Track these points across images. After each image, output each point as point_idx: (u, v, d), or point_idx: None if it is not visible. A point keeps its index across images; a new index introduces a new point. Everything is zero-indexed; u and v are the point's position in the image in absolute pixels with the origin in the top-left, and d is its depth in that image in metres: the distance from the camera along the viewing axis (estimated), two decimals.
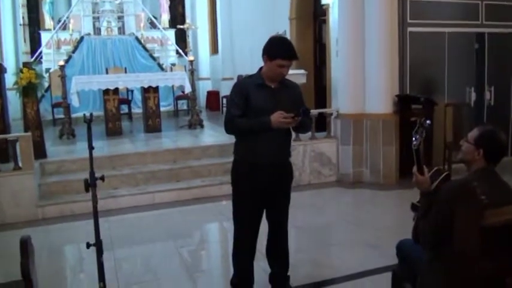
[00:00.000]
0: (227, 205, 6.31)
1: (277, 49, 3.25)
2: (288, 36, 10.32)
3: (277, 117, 3.17)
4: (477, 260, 2.39)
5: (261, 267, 4.02)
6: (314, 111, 7.42)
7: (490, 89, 8.15)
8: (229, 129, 3.41)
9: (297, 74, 7.64)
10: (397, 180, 7.01)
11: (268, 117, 3.19)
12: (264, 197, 3.46)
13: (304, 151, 7.17)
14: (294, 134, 7.36)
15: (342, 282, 3.90)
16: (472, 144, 2.57)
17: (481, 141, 2.55)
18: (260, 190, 3.41)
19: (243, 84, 3.41)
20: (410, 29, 7.38)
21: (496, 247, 2.45)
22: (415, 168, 2.67)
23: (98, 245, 2.88)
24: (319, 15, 9.66)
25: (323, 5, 8.30)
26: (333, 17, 7.73)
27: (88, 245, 2.88)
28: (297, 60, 3.36)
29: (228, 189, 6.66)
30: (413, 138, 2.64)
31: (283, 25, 10.36)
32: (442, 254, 2.50)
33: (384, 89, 6.93)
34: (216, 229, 5.94)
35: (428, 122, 2.65)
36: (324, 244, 4.98)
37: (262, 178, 3.37)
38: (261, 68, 3.39)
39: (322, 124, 7.59)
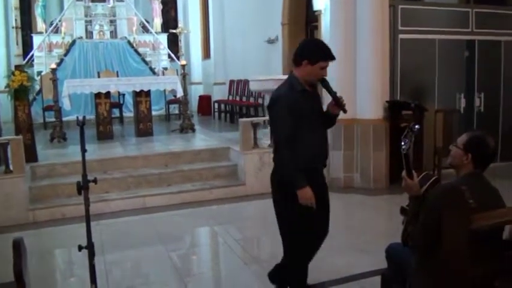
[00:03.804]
0: (218, 210, 6.36)
1: (318, 52, 3.27)
2: (280, 41, 10.39)
3: (309, 197, 3.20)
4: (466, 263, 2.42)
5: (255, 273, 4.05)
6: None
7: (479, 96, 8.25)
8: (282, 152, 3.30)
9: None
10: (387, 185, 7.05)
11: (305, 184, 3.18)
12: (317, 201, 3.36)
13: None
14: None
15: (332, 285, 3.92)
16: (461, 149, 2.61)
17: (470, 146, 2.60)
18: (316, 194, 3.30)
19: (292, 98, 3.28)
20: (401, 35, 7.46)
21: (485, 250, 2.49)
22: (404, 173, 2.71)
23: (90, 248, 2.89)
24: (311, 21, 9.72)
25: (315, 11, 8.34)
26: (325, 23, 7.77)
27: (80, 248, 2.89)
28: (334, 60, 3.35)
29: (219, 193, 6.76)
30: (403, 143, 2.67)
31: (275, 30, 10.42)
32: (431, 257, 2.53)
33: (375, 94, 6.98)
34: (207, 233, 5.93)
35: (417, 126, 2.69)
36: None
37: (318, 181, 3.40)
38: (291, 74, 3.38)
39: None
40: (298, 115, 3.25)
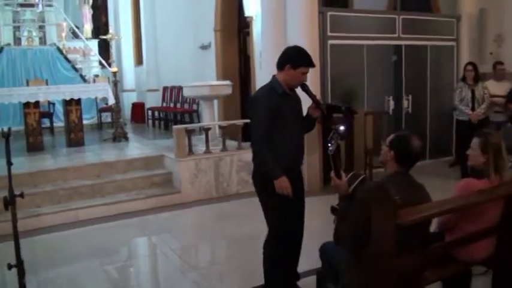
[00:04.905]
0: (154, 219, 6.27)
1: (300, 58, 3.48)
2: (212, 47, 10.39)
3: (285, 186, 3.35)
4: (394, 257, 2.51)
5: (193, 281, 4.03)
6: (240, 122, 7.53)
7: (407, 98, 8.62)
8: (258, 148, 3.49)
9: (222, 85, 7.71)
10: (321, 187, 7.19)
11: (280, 174, 3.35)
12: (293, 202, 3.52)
13: (231, 161, 7.20)
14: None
15: None
16: (387, 146, 2.75)
17: (393, 144, 2.75)
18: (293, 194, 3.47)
19: (272, 99, 3.49)
20: (330, 41, 7.66)
21: (412, 244, 2.61)
22: (333, 173, 2.80)
23: (20, 266, 2.79)
24: (243, 27, 9.79)
25: (246, 17, 8.43)
26: (257, 29, 7.87)
27: (9, 266, 2.78)
28: (315, 67, 3.56)
29: (154, 201, 6.66)
30: (329, 144, 2.77)
31: (208, 36, 10.41)
32: (362, 254, 2.61)
33: (307, 99, 7.09)
34: (143, 244, 5.83)
35: (341, 128, 2.81)
36: (253, 252, 4.98)
37: (295, 181, 3.53)
38: (274, 78, 3.56)
39: (248, 134, 7.67)
40: (277, 116, 3.43)
